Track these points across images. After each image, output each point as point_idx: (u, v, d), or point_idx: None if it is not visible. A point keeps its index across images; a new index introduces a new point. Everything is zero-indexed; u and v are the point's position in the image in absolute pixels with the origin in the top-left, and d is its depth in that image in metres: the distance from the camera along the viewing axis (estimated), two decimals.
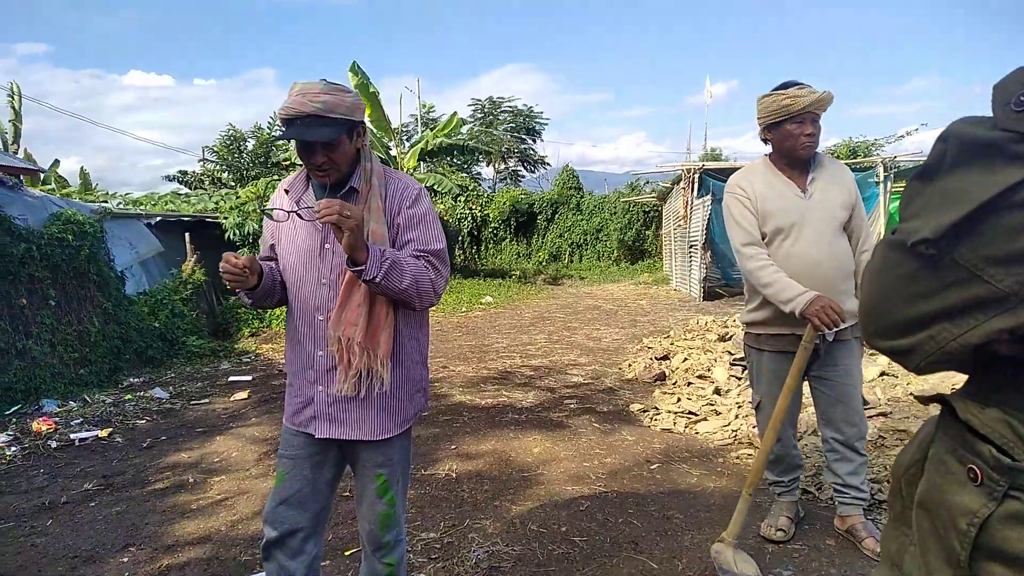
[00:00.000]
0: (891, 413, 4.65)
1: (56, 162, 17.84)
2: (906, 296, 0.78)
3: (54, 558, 3.24)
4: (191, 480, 4.24)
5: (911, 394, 5.09)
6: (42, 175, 16.64)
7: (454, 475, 4.13)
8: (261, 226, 2.19)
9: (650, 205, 22.32)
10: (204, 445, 5.00)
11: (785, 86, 2.80)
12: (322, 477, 2.22)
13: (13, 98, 17.27)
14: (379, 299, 2.05)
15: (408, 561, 3.04)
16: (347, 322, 2.02)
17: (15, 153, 17.49)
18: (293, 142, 2.04)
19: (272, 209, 2.14)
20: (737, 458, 4.25)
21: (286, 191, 2.19)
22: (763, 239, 2.91)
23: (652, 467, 4.18)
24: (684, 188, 14.77)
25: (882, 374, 5.59)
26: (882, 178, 12.93)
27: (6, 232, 6.51)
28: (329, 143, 1.99)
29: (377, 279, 1.92)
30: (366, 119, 2.18)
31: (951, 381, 4.71)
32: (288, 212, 2.11)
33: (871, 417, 4.44)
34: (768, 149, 2.98)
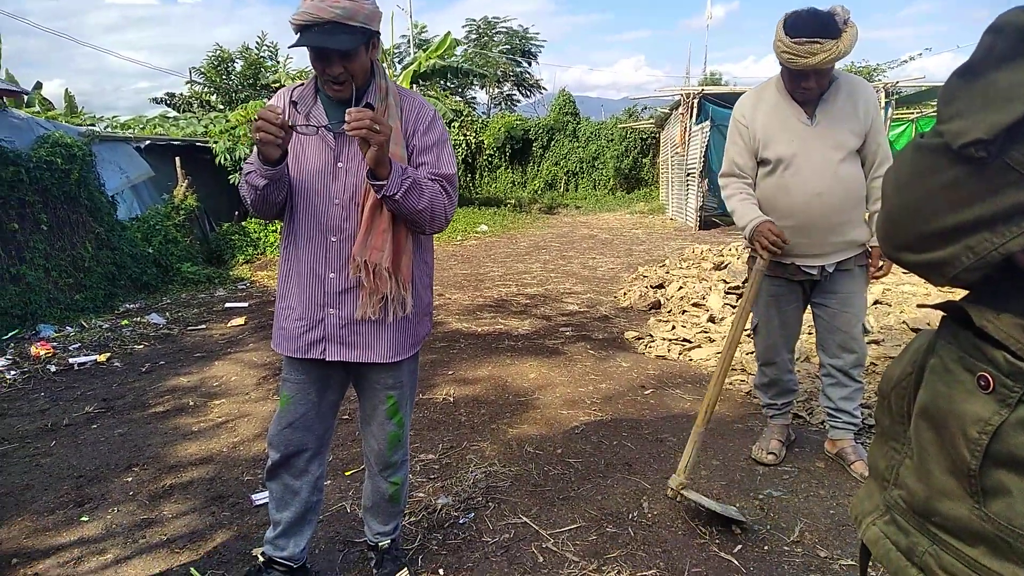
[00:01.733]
0: (883, 341, 4.71)
1: (39, 84, 17.31)
2: (945, 204, 0.73)
3: (59, 477, 3.30)
4: (191, 403, 4.30)
5: (920, 305, 5.15)
6: (25, 97, 16.22)
7: (451, 399, 4.19)
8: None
9: (647, 132, 22.01)
10: (203, 370, 5.04)
11: (797, 24, 2.56)
12: (326, 400, 2.24)
13: None
14: (401, 224, 2.02)
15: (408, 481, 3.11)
16: (372, 247, 1.99)
17: None
18: (306, 51, 1.92)
19: (301, 125, 2.01)
20: (730, 384, 4.31)
21: (293, 102, 2.07)
22: (767, 166, 2.88)
23: (646, 392, 4.25)
24: (682, 114, 14.53)
25: (875, 303, 5.63)
26: (883, 104, 12.73)
27: None
28: (347, 52, 1.90)
29: (397, 196, 1.89)
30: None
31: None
32: (317, 127, 2.01)
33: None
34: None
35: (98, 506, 3.01)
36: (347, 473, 3.24)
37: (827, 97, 2.79)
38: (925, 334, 0.96)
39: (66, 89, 18.21)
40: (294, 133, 1.99)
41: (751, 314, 3.11)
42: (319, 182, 2.04)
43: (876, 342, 4.68)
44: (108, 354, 5.45)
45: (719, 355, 4.83)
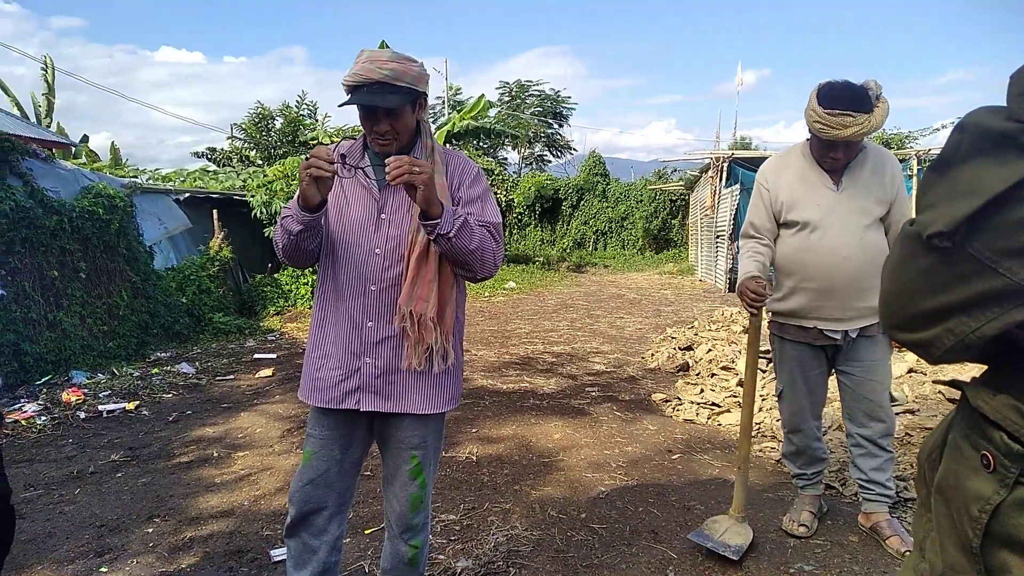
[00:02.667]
0: (919, 410, 4.59)
1: (85, 137, 18.08)
2: (923, 289, 0.77)
3: (81, 525, 3.30)
4: (215, 454, 4.30)
5: (935, 381, 5.01)
6: (73, 149, 16.87)
7: (474, 458, 4.14)
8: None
9: (677, 193, 22.12)
10: (229, 420, 5.06)
11: (832, 95, 2.58)
12: (349, 457, 2.21)
13: (47, 71, 17.47)
14: (446, 275, 2.05)
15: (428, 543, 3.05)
16: (418, 297, 2.01)
17: (48, 127, 17.73)
18: (357, 110, 2.02)
19: (346, 165, 2.03)
20: (760, 451, 4.21)
21: (342, 155, 2.10)
22: (792, 227, 2.89)
23: (673, 457, 4.16)
24: (712, 177, 14.61)
25: (910, 371, 5.50)
26: (915, 171, 12.67)
27: (39, 204, 6.60)
28: (394, 111, 1.98)
29: (450, 235, 1.92)
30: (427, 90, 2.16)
31: (972, 367, 4.62)
32: (353, 167, 2.05)
33: (898, 414, 4.38)
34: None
35: (118, 557, 2.99)
36: (367, 532, 3.19)
37: (853, 165, 2.82)
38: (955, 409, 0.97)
39: (112, 142, 18.97)
40: (336, 184, 2.06)
41: (776, 381, 3.12)
42: (362, 232, 2.08)
43: (911, 411, 4.56)
44: (137, 402, 5.50)
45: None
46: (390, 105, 1.96)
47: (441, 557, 2.94)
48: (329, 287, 2.15)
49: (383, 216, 2.08)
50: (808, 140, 2.88)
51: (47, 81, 17.64)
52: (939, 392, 4.90)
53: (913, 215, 0.82)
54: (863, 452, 3.00)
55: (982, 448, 0.80)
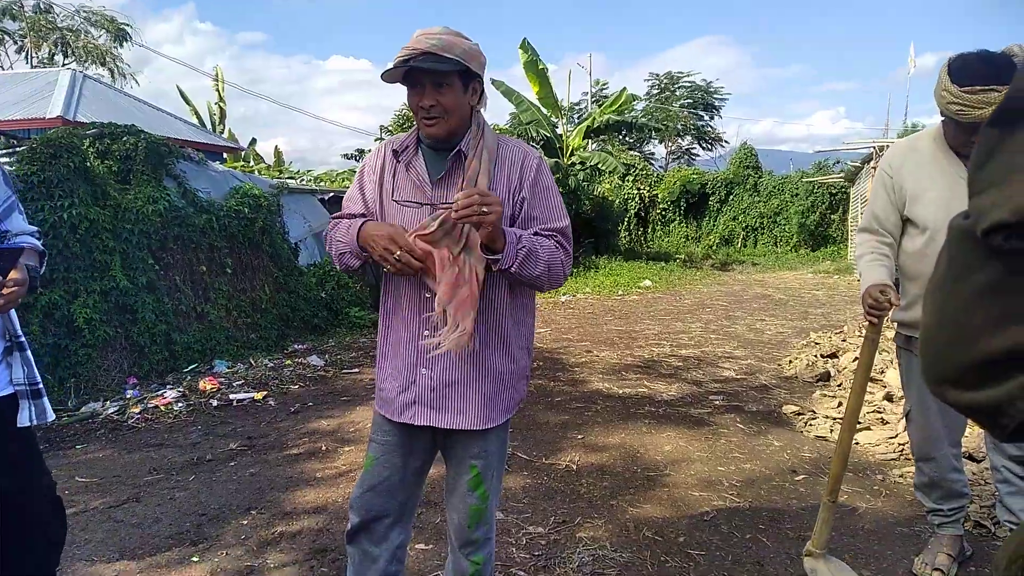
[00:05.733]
0: None
1: (253, 140, 19.61)
2: (984, 320, 0.47)
3: (186, 513, 3.43)
4: (324, 448, 4.38)
5: None
6: (242, 153, 18.31)
7: (575, 467, 3.93)
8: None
9: (837, 187, 20.58)
10: (344, 414, 5.16)
11: (966, 70, 2.17)
12: (411, 465, 2.11)
13: (218, 82, 19.07)
14: (486, 285, 1.91)
15: (509, 555, 2.90)
16: (460, 300, 1.88)
17: (220, 132, 19.37)
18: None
19: (408, 202, 1.95)
20: (900, 476, 3.70)
21: (395, 151, 2.02)
22: (915, 227, 2.49)
23: (796, 478, 3.74)
24: (875, 168, 13.39)
25: None
26: None
27: (190, 204, 7.11)
28: (439, 81, 1.84)
29: (512, 269, 1.80)
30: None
31: None
32: (421, 204, 1.94)
33: None
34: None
35: (211, 547, 3.07)
36: None
37: None
38: None
39: (276, 146, 20.38)
40: (385, 181, 2.00)
41: (904, 400, 2.70)
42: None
43: None
44: (265, 392, 5.76)
45: (891, 440, 4.21)
46: (435, 67, 1.81)
47: (521, 574, 2.78)
48: (389, 295, 2.06)
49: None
50: (942, 123, 2.46)
51: (218, 91, 19.25)
52: None
53: None
54: (1012, 490, 2.52)
55: None
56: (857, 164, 17.44)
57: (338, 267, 2.08)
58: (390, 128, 16.33)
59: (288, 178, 13.57)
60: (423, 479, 2.21)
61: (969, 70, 2.15)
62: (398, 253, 1.79)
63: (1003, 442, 0.47)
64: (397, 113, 15.97)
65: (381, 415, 2.12)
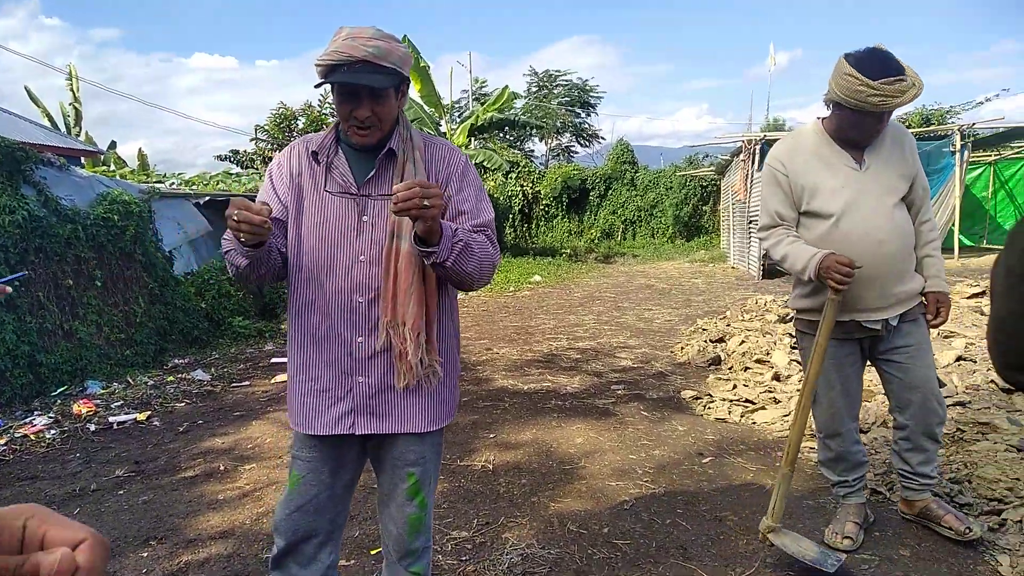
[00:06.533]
0: (970, 403, 4.23)
1: (113, 144, 18.24)
2: None
3: None
4: (222, 468, 4.12)
5: (992, 381, 4.63)
6: (102, 157, 17.01)
7: (491, 467, 3.89)
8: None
9: (708, 179, 21.63)
10: (240, 430, 4.88)
11: (875, 64, 2.33)
12: (341, 480, 2.01)
13: (72, 80, 17.60)
14: (430, 283, 1.84)
15: (436, 562, 2.82)
16: (400, 309, 1.81)
17: (77, 135, 17.90)
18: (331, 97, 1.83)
19: (341, 193, 1.85)
20: (800, 454, 3.90)
21: (314, 152, 1.89)
22: (815, 217, 2.62)
23: (704, 461, 3.87)
24: (743, 161, 14.16)
25: (959, 359, 5.13)
26: (958, 147, 12.09)
27: (53, 212, 6.49)
28: (379, 93, 1.76)
29: (448, 263, 1.72)
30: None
31: None
32: (355, 195, 1.84)
33: (948, 407, 4.04)
34: (824, 112, 2.65)
35: None
36: (373, 552, 2.97)
37: (875, 142, 2.57)
38: None
39: (140, 148, 19.06)
40: (309, 186, 1.89)
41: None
42: (343, 239, 1.86)
43: (962, 404, 4.20)
44: (148, 412, 5.35)
45: (785, 418, 4.44)
46: (377, 84, 1.73)
47: None
48: (309, 302, 1.92)
49: (365, 219, 1.85)
50: (822, 119, 2.65)
51: (72, 90, 17.77)
52: (991, 383, 4.53)
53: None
54: (911, 447, 2.78)
55: None
56: (727, 158, 18.39)
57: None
58: (267, 127, 15.64)
59: (156, 182, 12.72)
60: (351, 493, 2.11)
61: (877, 64, 2.33)
62: (235, 212, 1.61)
63: None
64: (274, 112, 15.31)
65: (303, 433, 1.99)
